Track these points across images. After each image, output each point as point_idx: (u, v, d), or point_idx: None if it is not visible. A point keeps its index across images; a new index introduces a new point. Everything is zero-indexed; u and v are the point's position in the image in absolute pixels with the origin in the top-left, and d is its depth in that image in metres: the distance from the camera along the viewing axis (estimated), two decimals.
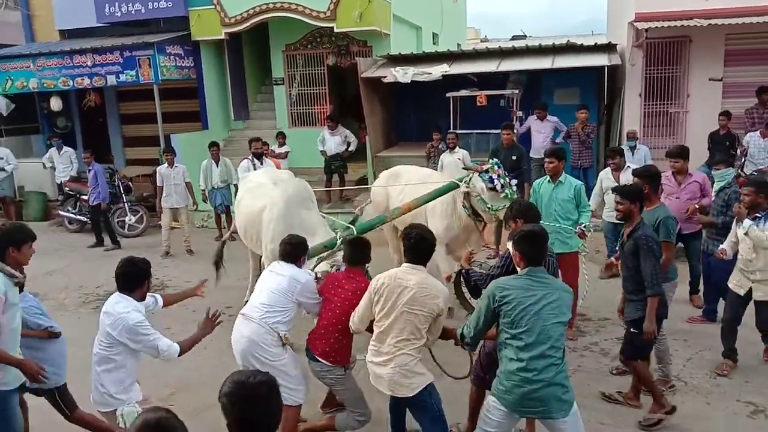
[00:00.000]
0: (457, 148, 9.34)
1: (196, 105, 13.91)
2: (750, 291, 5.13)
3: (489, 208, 5.79)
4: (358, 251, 4.29)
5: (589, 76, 11.27)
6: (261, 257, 7.29)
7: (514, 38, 28.18)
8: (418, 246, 3.74)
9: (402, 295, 3.65)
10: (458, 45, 19.99)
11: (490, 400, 3.52)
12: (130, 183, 12.25)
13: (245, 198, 6.63)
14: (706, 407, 4.89)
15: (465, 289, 4.31)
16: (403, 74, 11.11)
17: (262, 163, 9.34)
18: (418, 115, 13.34)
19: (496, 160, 5.96)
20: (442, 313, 3.70)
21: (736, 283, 5.23)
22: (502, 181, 5.70)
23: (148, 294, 4.05)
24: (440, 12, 18.21)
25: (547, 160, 5.96)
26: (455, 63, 11.80)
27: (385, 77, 11.39)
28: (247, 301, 7.16)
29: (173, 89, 13.63)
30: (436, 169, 8.29)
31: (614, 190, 4.85)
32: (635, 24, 10.16)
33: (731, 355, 5.34)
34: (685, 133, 10.72)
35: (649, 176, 5.20)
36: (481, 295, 4.09)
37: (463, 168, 6.21)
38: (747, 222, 5.00)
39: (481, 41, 31.16)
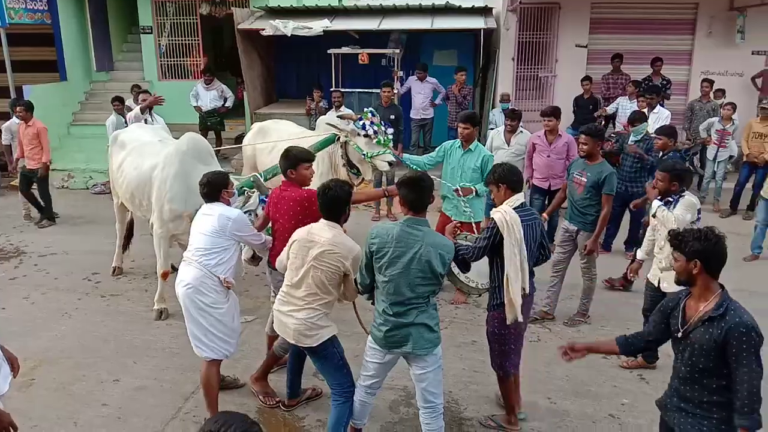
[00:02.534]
0: (343, 106, 9.20)
1: (52, 53, 12.58)
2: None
3: (365, 155, 5.76)
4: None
5: (466, 38, 11.51)
6: (129, 219, 6.89)
7: None
8: (330, 204, 3.70)
9: (311, 251, 3.65)
10: (340, 0, 19.60)
11: (368, 340, 3.73)
12: None
13: (129, 158, 6.04)
14: None
15: (453, 265, 4.03)
16: (283, 27, 10.73)
17: (152, 118, 7.74)
18: (300, 72, 13.00)
19: (371, 108, 5.92)
20: (349, 272, 3.69)
21: (651, 272, 4.90)
22: (375, 127, 5.68)
23: None
24: None
25: (461, 125, 5.94)
26: (337, 19, 11.57)
27: (263, 30, 10.94)
28: (114, 267, 6.86)
29: (25, 35, 12.22)
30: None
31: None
32: None
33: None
34: (553, 96, 11.31)
35: (595, 135, 5.63)
36: (470, 269, 4.13)
37: (338, 116, 6.09)
38: (656, 203, 4.87)
39: None
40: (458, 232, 4.33)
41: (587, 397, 4.61)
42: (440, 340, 3.67)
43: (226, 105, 11.25)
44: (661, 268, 4.73)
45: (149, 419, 4.36)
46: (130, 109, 8.24)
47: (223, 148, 9.46)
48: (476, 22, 10.94)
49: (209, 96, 11.06)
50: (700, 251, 2.79)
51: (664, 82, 10.14)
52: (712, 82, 9.81)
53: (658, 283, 4.74)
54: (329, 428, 3.84)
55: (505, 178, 3.99)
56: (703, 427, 2.82)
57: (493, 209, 4.02)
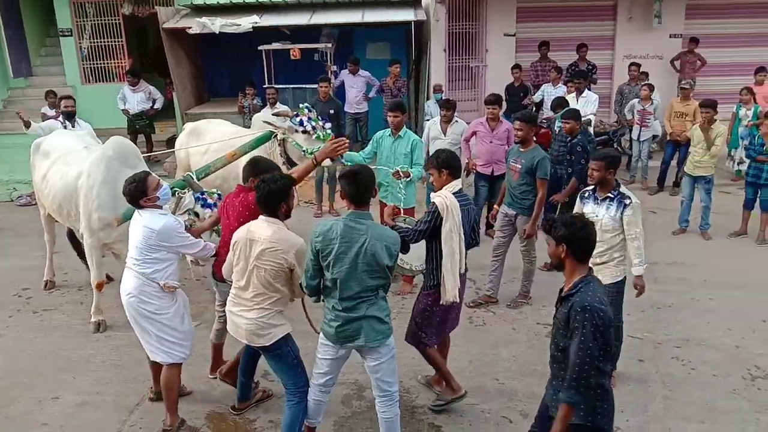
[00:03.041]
0: (278, 103, 9.05)
1: None
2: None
3: (304, 151, 5.73)
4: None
5: (398, 31, 11.57)
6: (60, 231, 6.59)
7: None
8: (265, 199, 3.63)
9: (253, 250, 3.59)
10: None
11: (320, 337, 3.69)
12: None
13: (54, 167, 5.75)
14: (512, 332, 5.48)
15: None
16: (211, 24, 10.49)
17: (73, 125, 7.38)
18: (230, 70, 12.77)
19: (307, 104, 5.88)
20: (294, 267, 3.62)
21: None
22: (313, 123, 5.66)
23: None
24: None
25: (391, 114, 6.11)
26: (266, 14, 11.40)
27: (190, 28, 10.66)
28: (46, 281, 6.55)
29: None
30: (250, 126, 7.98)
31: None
32: None
33: None
34: (484, 85, 11.52)
35: (529, 121, 5.85)
36: (408, 250, 4.15)
37: (273, 114, 6.01)
38: (590, 206, 4.55)
39: None
40: (397, 215, 4.41)
41: (534, 376, 4.73)
42: (392, 330, 3.67)
43: (155, 107, 10.93)
44: (594, 264, 4.27)
45: None
46: (46, 117, 7.84)
47: (158, 152, 9.14)
48: (406, 15, 11.02)
49: (136, 98, 10.72)
50: (567, 236, 2.93)
51: (590, 67, 10.49)
52: (639, 66, 10.22)
53: None
54: (284, 429, 3.79)
55: (447, 164, 4.13)
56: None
57: (434, 194, 4.09)
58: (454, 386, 4.34)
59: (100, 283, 5.63)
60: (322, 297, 3.67)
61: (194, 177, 5.11)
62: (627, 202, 4.37)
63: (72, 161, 5.64)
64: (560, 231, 2.95)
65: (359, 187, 3.53)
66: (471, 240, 4.27)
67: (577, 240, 2.93)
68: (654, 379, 4.75)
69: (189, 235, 4.14)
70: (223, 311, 4.42)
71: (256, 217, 3.85)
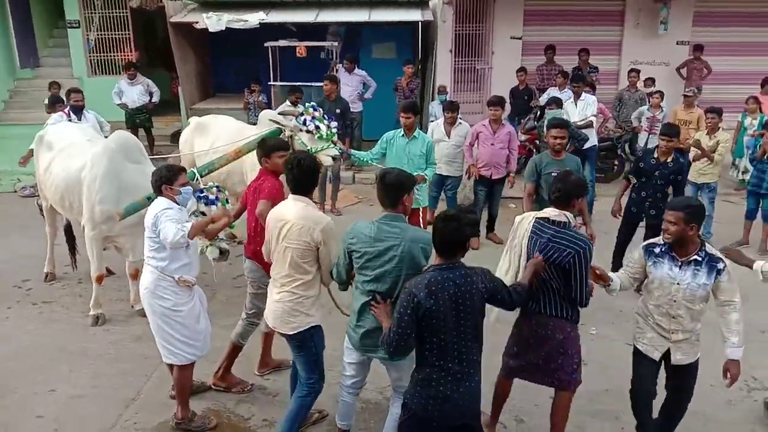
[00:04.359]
0: (287, 102, 8.88)
1: None
2: (667, 353, 3.70)
3: (309, 150, 5.73)
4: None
5: (405, 31, 11.57)
6: (62, 224, 6.61)
7: None
8: (304, 176, 3.64)
9: (283, 230, 3.60)
10: None
11: (345, 340, 3.67)
12: None
13: (57, 159, 5.76)
14: None
15: None
16: (217, 20, 10.50)
17: (80, 119, 7.38)
18: (237, 66, 12.77)
19: (313, 103, 5.90)
20: (321, 244, 3.57)
21: (648, 343, 3.75)
22: (317, 122, 5.66)
23: None
24: None
25: (403, 115, 6.17)
26: (273, 11, 11.41)
27: (197, 23, 10.68)
28: (47, 273, 6.57)
29: None
30: (255, 123, 7.97)
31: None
32: None
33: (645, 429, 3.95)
34: (490, 87, 11.52)
35: (568, 126, 6.05)
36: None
37: (279, 113, 6.03)
38: (665, 269, 3.59)
39: None
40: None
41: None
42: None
43: (153, 100, 10.82)
44: (672, 341, 3.68)
45: (88, 428, 4.22)
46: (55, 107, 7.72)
47: (173, 155, 9.13)
48: (413, 15, 11.02)
49: (135, 91, 10.61)
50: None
51: (593, 70, 10.47)
52: (638, 72, 10.19)
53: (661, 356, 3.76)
54: (285, 418, 3.77)
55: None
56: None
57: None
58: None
59: (100, 276, 5.65)
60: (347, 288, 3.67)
61: (197, 174, 5.12)
62: (720, 266, 3.49)
63: (75, 153, 5.65)
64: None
65: (385, 190, 3.44)
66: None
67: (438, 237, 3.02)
68: None
69: (175, 221, 3.80)
70: (253, 311, 4.46)
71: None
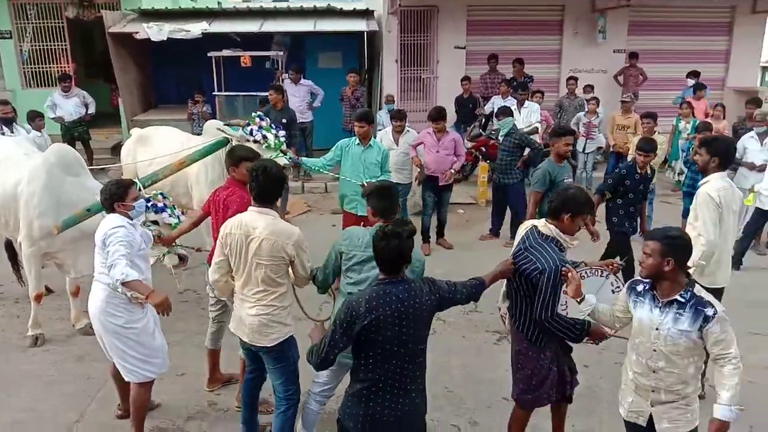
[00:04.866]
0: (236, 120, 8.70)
1: None
2: (652, 421, 3.13)
3: None
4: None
5: (350, 41, 11.60)
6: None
7: None
8: (271, 184, 3.51)
9: (251, 246, 3.46)
10: (219, 3, 19.11)
11: None
12: None
13: None
14: (462, 340, 5.52)
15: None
16: (158, 31, 10.29)
17: (12, 132, 7.13)
18: (180, 76, 12.53)
19: (260, 113, 5.84)
20: (295, 258, 3.52)
21: (629, 408, 3.22)
22: (264, 132, 5.61)
23: None
24: None
25: (357, 124, 6.17)
26: (216, 21, 11.27)
27: (137, 33, 10.43)
28: None
29: None
30: (200, 134, 7.82)
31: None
32: None
33: None
34: (435, 96, 11.66)
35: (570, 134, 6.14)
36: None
37: (226, 124, 5.94)
38: (646, 311, 3.06)
39: (244, 0, 30.14)
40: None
41: (483, 384, 4.77)
42: None
43: (89, 112, 10.44)
44: (655, 402, 3.10)
45: None
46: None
47: (113, 166, 8.79)
48: (358, 25, 11.08)
49: (71, 104, 10.22)
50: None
51: (527, 79, 10.75)
52: (576, 80, 10.53)
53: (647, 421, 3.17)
54: None
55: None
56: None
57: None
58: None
59: (39, 294, 5.40)
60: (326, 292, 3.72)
61: (141, 185, 4.97)
62: (709, 312, 2.88)
63: (10, 167, 5.40)
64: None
65: (390, 201, 3.53)
66: None
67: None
68: None
69: (124, 249, 3.63)
70: (218, 311, 4.41)
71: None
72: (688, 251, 3.03)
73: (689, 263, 3.12)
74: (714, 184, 4.28)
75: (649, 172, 6.10)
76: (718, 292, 4.08)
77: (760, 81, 16.58)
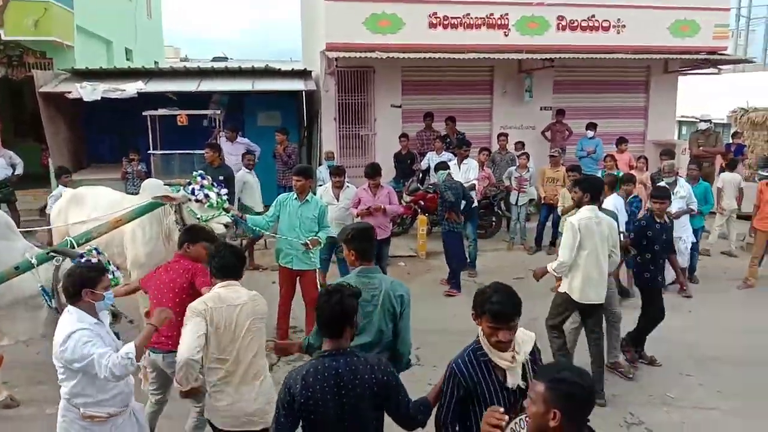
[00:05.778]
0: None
1: None
2: None
3: (199, 218, 5.61)
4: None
5: (289, 100, 11.76)
6: None
7: (215, 59, 28.01)
8: (230, 259, 3.59)
9: (240, 316, 3.42)
10: (156, 63, 19.15)
11: None
12: None
13: None
14: None
15: None
16: (92, 90, 10.15)
17: None
18: (114, 135, 12.32)
19: (200, 171, 5.81)
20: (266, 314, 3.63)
21: None
22: (206, 191, 5.58)
23: None
24: (134, 27, 17.25)
25: (295, 178, 6.16)
26: (152, 81, 11.23)
27: (69, 93, 10.27)
28: None
29: None
30: (136, 193, 7.67)
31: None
32: (326, 53, 10.96)
33: None
34: (374, 153, 11.87)
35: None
36: None
37: (165, 184, 5.89)
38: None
39: (181, 60, 30.26)
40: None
41: None
42: None
43: (16, 173, 10.09)
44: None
45: None
46: None
47: (43, 228, 8.50)
48: (296, 85, 11.29)
49: None
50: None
51: (460, 136, 11.16)
52: (507, 135, 11.01)
53: None
54: None
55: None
56: None
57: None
58: None
59: None
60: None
61: (75, 243, 4.83)
62: None
63: None
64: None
65: (370, 242, 3.63)
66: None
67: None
68: None
69: (95, 347, 3.16)
70: (158, 393, 4.23)
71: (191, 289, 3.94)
72: (580, 403, 2.13)
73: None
74: (579, 215, 5.19)
75: (667, 220, 6.02)
76: (595, 308, 5.25)
77: (677, 134, 17.81)
